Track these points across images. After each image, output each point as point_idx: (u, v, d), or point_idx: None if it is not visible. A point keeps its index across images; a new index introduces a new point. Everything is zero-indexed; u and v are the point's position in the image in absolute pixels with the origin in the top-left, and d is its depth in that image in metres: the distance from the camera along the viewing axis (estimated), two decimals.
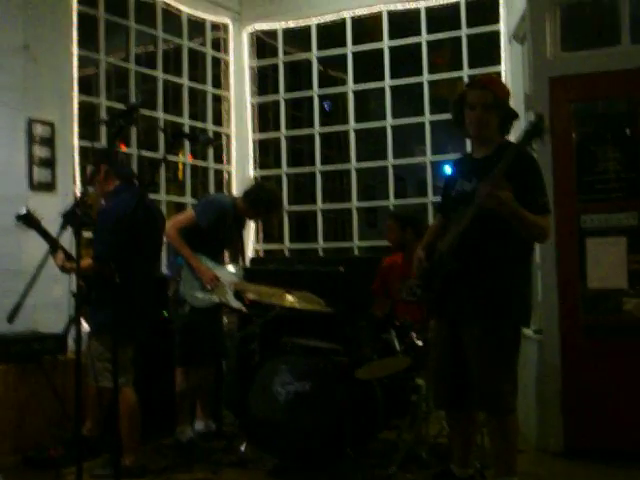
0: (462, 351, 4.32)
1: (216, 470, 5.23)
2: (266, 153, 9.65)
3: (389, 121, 8.11)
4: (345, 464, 5.13)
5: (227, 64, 8.73)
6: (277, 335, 5.74)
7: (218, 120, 8.67)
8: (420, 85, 7.93)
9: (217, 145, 8.63)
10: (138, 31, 7.69)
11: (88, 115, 7.34)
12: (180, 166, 10.16)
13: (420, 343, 5.24)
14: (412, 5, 7.85)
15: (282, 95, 8.79)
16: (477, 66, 7.61)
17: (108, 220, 4.98)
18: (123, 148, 7.76)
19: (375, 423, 5.44)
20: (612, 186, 5.67)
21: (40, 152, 6.26)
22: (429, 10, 7.82)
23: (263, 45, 9.53)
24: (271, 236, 9.28)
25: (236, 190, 8.34)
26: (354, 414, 5.17)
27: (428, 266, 4.47)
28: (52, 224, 4.96)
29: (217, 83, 8.65)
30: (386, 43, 8.07)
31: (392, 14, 8.01)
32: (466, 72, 7.64)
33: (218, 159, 8.66)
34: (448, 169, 6.86)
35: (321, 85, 8.70)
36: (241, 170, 8.67)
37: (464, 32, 7.63)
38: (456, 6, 7.67)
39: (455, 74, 7.88)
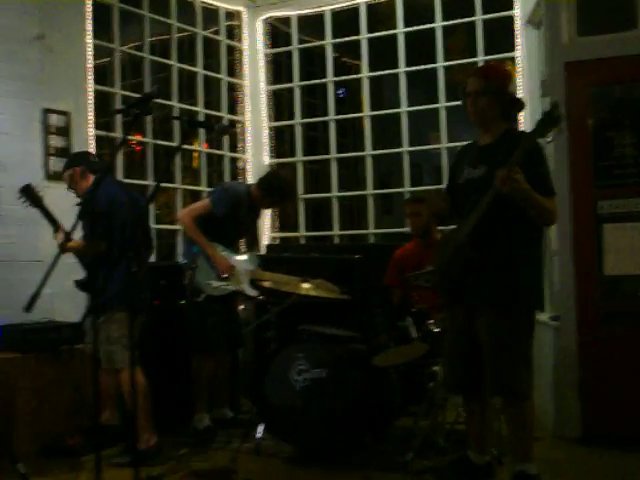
0: (477, 337, 4.34)
1: (233, 458, 5.25)
2: (281, 141, 9.63)
3: (404, 108, 8.09)
4: (362, 451, 5.15)
5: (241, 52, 8.72)
6: (293, 323, 5.75)
7: (233, 108, 8.66)
8: (435, 71, 7.89)
9: (232, 133, 8.63)
10: (152, 20, 7.69)
11: (103, 104, 7.36)
12: (195, 154, 10.15)
13: (437, 330, 5.24)
14: None
15: (296, 82, 8.78)
16: (492, 52, 7.58)
17: (95, 206, 5.13)
18: (138, 137, 7.78)
19: (392, 410, 5.45)
20: (629, 171, 5.63)
21: (56, 142, 6.28)
22: None
23: (277, 33, 9.52)
24: (287, 224, 9.29)
25: (251, 178, 8.34)
26: (371, 401, 5.18)
27: (445, 254, 4.47)
28: (68, 214, 4.99)
29: (231, 71, 8.64)
30: (400, 29, 8.03)
31: (406, 0, 7.97)
32: (481, 58, 7.60)
33: (233, 147, 8.66)
34: None
35: (335, 72, 8.67)
36: (256, 158, 8.66)
37: (479, 17, 7.59)
38: None
39: (470, 60, 7.85)
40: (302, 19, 8.65)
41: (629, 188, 5.61)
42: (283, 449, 5.41)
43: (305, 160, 8.84)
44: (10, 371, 5.35)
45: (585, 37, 5.86)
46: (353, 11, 8.29)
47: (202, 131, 7.90)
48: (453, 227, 4.63)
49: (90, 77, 6.73)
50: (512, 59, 7.51)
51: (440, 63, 7.84)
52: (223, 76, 8.51)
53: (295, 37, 8.75)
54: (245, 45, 8.71)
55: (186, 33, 8.43)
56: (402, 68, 8.05)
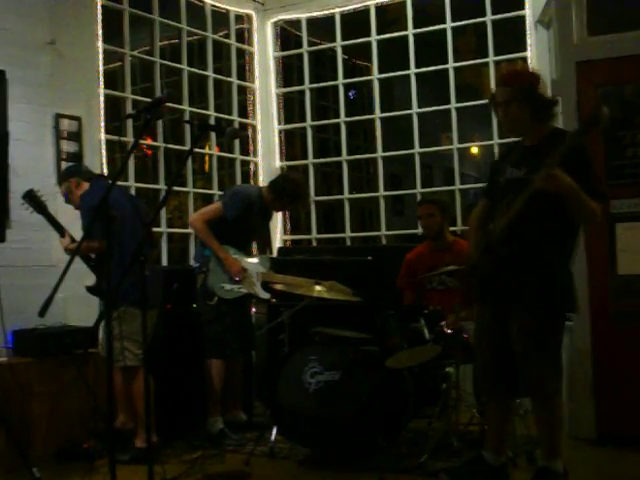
0: (505, 338, 4.34)
1: (247, 461, 5.25)
2: (292, 144, 9.65)
3: (415, 109, 8.07)
4: (376, 453, 5.14)
5: (252, 55, 8.73)
6: (306, 325, 5.75)
7: (244, 111, 8.67)
8: (446, 72, 7.88)
9: (243, 136, 8.64)
10: (162, 24, 7.71)
11: (114, 109, 7.38)
12: (207, 158, 10.17)
13: (449, 331, 5.24)
14: None
15: (307, 85, 8.78)
16: (503, 52, 7.57)
17: (86, 205, 5.19)
18: (149, 141, 7.80)
19: (405, 412, 5.44)
20: None
21: (67, 147, 6.30)
22: None
23: (287, 35, 9.53)
24: (298, 226, 9.30)
25: (262, 181, 8.35)
26: (384, 403, 5.18)
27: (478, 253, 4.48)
28: (80, 219, 5.01)
29: (242, 74, 8.65)
30: (410, 31, 8.03)
31: (416, 1, 7.96)
32: (492, 58, 7.58)
33: (244, 150, 8.67)
34: None
35: (346, 74, 8.68)
36: (267, 161, 8.67)
37: (489, 18, 7.57)
38: None
39: (481, 61, 7.85)
40: (312, 21, 8.66)
41: None
42: (297, 452, 5.42)
43: (316, 162, 8.84)
44: (24, 376, 5.37)
45: (596, 37, 5.84)
46: (363, 13, 8.29)
47: (213, 135, 7.90)
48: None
49: (101, 82, 6.75)
50: (523, 59, 7.50)
51: (450, 64, 7.83)
52: (233, 79, 8.52)
53: (305, 40, 8.76)
54: (255, 48, 8.71)
55: (196, 37, 8.44)
56: (412, 69, 8.04)
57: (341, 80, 8.60)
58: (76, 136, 6.38)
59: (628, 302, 5.68)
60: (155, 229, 7.10)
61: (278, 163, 8.70)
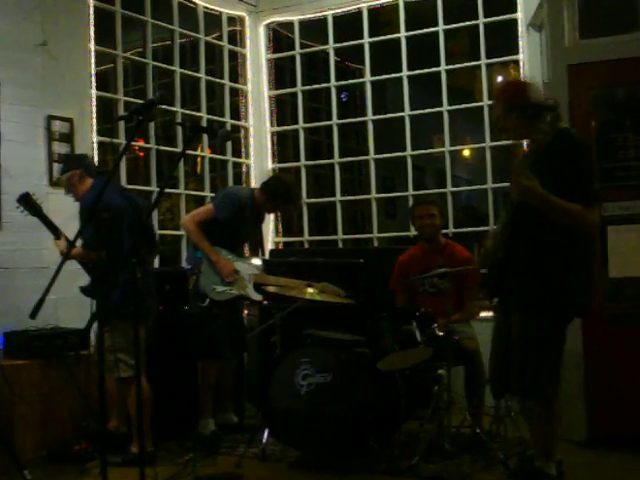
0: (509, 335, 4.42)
1: (238, 463, 5.25)
2: (284, 146, 9.65)
3: (407, 111, 8.08)
4: (368, 455, 5.15)
5: (244, 57, 8.73)
6: (298, 327, 5.75)
7: (236, 113, 8.67)
8: (438, 75, 7.89)
9: (235, 138, 8.64)
10: (154, 26, 7.70)
11: (106, 111, 7.37)
12: (199, 160, 10.16)
13: (441, 334, 5.24)
14: None
15: (299, 87, 8.78)
16: (495, 55, 7.59)
17: (86, 211, 5.09)
18: (141, 143, 7.79)
19: (397, 414, 5.44)
20: (633, 173, 5.62)
21: (59, 149, 6.29)
22: None
23: (280, 37, 9.53)
24: (290, 228, 9.30)
25: (255, 183, 8.34)
26: (376, 405, 5.18)
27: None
28: (72, 220, 5.00)
29: (234, 76, 8.65)
30: (403, 33, 8.04)
31: (408, 4, 7.97)
32: (484, 61, 7.60)
33: (236, 152, 8.67)
34: None
35: (338, 77, 8.69)
36: (259, 163, 8.67)
37: (481, 21, 7.59)
38: None
39: (472, 63, 7.86)
40: (304, 24, 8.67)
41: (633, 190, 5.60)
42: (288, 454, 5.41)
43: (308, 164, 8.84)
44: (15, 378, 5.35)
45: (587, 39, 5.85)
46: (355, 15, 8.29)
47: (205, 136, 7.90)
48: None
49: (93, 83, 6.75)
50: (515, 62, 7.53)
51: (443, 67, 7.84)
52: (226, 81, 8.52)
53: (297, 42, 8.76)
54: (247, 50, 8.71)
55: (188, 38, 8.44)
56: (405, 72, 8.05)
57: (333, 82, 8.60)
58: (68, 138, 6.37)
59: (619, 304, 5.69)
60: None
61: (270, 165, 8.70)
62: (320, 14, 8.45)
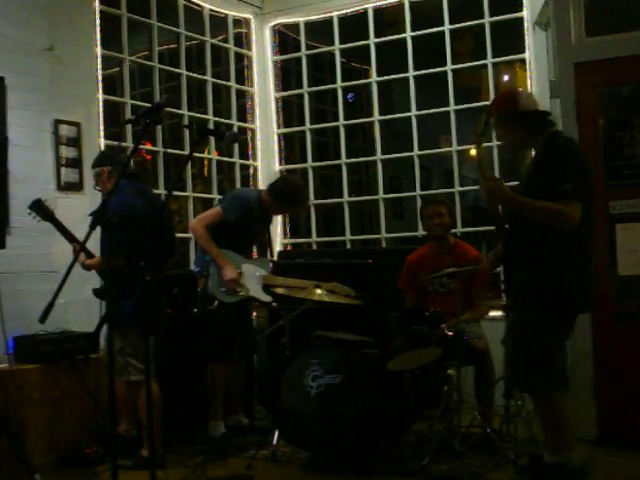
0: None
1: (249, 465, 5.25)
2: (291, 147, 9.65)
3: (413, 112, 8.07)
4: (378, 456, 5.14)
5: (250, 59, 8.73)
6: (307, 329, 5.75)
7: (243, 115, 8.68)
8: (444, 75, 7.89)
9: (242, 140, 8.64)
10: (160, 29, 7.71)
11: (113, 114, 7.38)
12: (206, 162, 10.17)
13: (450, 333, 5.24)
14: None
15: (306, 89, 8.79)
16: (501, 54, 7.58)
17: (114, 215, 5.01)
18: (149, 146, 7.80)
19: (407, 415, 5.44)
20: None
21: (67, 153, 6.30)
22: None
23: (286, 39, 9.53)
24: (298, 230, 9.30)
25: (262, 185, 8.34)
26: (386, 406, 5.18)
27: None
28: (81, 224, 5.00)
29: (241, 79, 8.66)
30: (409, 33, 8.03)
31: (414, 4, 7.96)
32: (490, 60, 7.59)
33: (243, 154, 8.67)
34: None
35: (344, 77, 8.69)
36: (266, 165, 8.67)
37: (487, 20, 7.58)
38: None
39: (479, 62, 7.85)
40: (310, 25, 8.67)
41: None
42: (299, 455, 5.42)
43: (315, 166, 8.84)
44: (25, 382, 5.36)
45: (593, 37, 5.85)
46: (361, 16, 8.29)
47: (212, 139, 7.90)
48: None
49: (100, 87, 6.75)
50: (521, 61, 7.52)
51: (449, 66, 7.83)
52: (232, 84, 8.52)
53: (303, 43, 8.76)
54: (254, 52, 8.72)
55: (195, 41, 8.45)
56: (411, 72, 8.04)
57: (340, 83, 8.60)
58: (75, 142, 6.38)
59: (629, 303, 5.68)
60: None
61: (277, 167, 8.70)
62: (326, 15, 8.45)
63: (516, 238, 4.47)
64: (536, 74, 7.10)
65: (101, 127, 6.71)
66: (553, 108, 5.99)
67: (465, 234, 7.45)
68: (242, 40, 8.73)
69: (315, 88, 9.04)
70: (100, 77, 6.78)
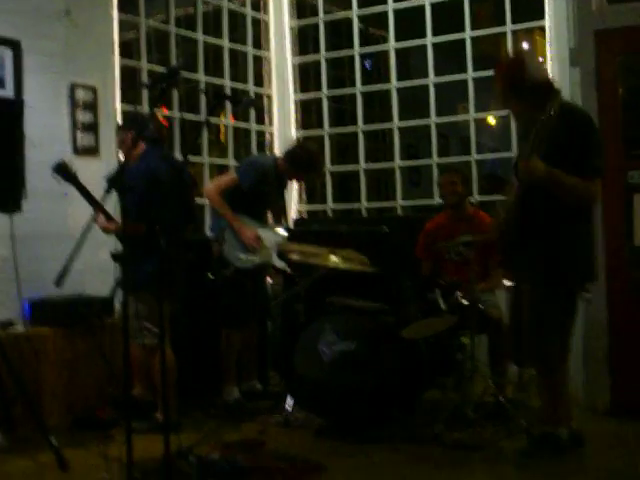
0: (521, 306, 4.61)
1: (262, 430, 5.28)
2: (308, 113, 9.61)
3: (431, 79, 8.01)
4: (391, 423, 5.16)
5: (267, 24, 8.67)
6: (322, 295, 5.75)
7: (259, 81, 8.63)
8: (462, 42, 7.81)
9: (258, 106, 8.60)
10: None
11: (130, 79, 7.36)
12: (222, 128, 10.14)
13: (465, 302, 5.23)
14: None
15: (323, 54, 8.73)
16: (521, 21, 7.49)
17: (135, 182, 5.00)
18: (165, 111, 7.78)
19: (420, 382, 5.45)
20: None
21: (83, 117, 6.29)
22: None
23: (303, 4, 9.47)
24: (314, 197, 9.28)
25: (278, 151, 8.32)
26: (399, 373, 5.18)
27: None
28: (96, 188, 5.00)
29: (257, 44, 8.61)
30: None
31: None
32: (509, 27, 7.50)
33: (260, 120, 8.64)
34: None
35: (362, 44, 8.62)
36: (283, 131, 8.64)
37: None
38: None
39: (498, 29, 7.77)
40: None
41: None
42: (312, 421, 5.43)
43: (332, 132, 8.80)
44: (41, 345, 5.40)
45: (614, 4, 5.77)
46: None
47: (229, 104, 7.88)
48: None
49: (116, 51, 6.72)
50: (541, 28, 7.43)
51: (468, 33, 7.75)
52: (249, 49, 8.48)
53: (321, 8, 8.70)
54: (271, 17, 8.66)
55: (211, 6, 8.40)
56: (429, 39, 7.97)
57: (357, 49, 8.54)
58: (91, 106, 6.36)
59: None
60: None
61: (294, 133, 8.67)
62: None
63: (527, 215, 4.43)
64: (556, 42, 7.00)
65: (117, 91, 6.69)
66: (572, 76, 5.94)
67: (482, 203, 7.42)
68: (259, 5, 8.66)
69: (333, 54, 8.99)
70: (117, 41, 6.75)
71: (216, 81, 8.13)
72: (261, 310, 6.27)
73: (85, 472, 4.53)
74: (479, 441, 4.85)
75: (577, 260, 4.38)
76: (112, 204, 4.44)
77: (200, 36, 7.90)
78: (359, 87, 8.54)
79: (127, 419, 3.93)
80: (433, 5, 7.90)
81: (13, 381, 4.82)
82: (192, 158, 7.64)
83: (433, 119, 7.98)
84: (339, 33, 12.34)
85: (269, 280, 6.63)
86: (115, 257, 5.10)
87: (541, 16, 7.26)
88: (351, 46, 8.60)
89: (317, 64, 8.84)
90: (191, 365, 5.75)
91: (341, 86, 10.69)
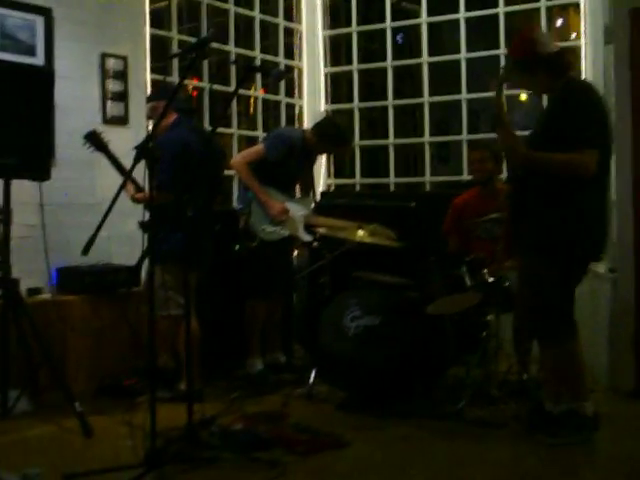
0: None
1: (285, 402, 5.31)
2: (338, 87, 9.57)
3: (463, 54, 7.95)
4: (414, 399, 5.16)
5: None
6: (347, 269, 5.75)
7: (290, 53, 8.61)
8: (496, 17, 7.73)
9: (289, 79, 8.58)
10: None
11: (160, 49, 7.36)
12: (252, 100, 10.13)
13: (491, 279, 5.21)
14: None
15: (354, 28, 8.69)
16: None
17: (167, 151, 5.00)
18: (195, 81, 7.77)
19: (444, 359, 5.45)
20: None
21: (113, 86, 6.30)
22: None
23: None
24: (342, 171, 9.26)
25: (307, 124, 8.30)
26: (423, 349, 5.18)
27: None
28: (125, 158, 5.01)
29: (289, 16, 8.57)
30: None
31: None
32: (544, 3, 7.42)
33: (289, 93, 8.62)
34: None
35: (394, 17, 8.57)
36: (312, 104, 8.61)
37: None
38: None
39: (532, 5, 7.68)
40: None
41: None
42: (335, 395, 5.45)
43: (362, 106, 8.76)
44: (67, 313, 5.46)
45: None
46: None
47: (259, 76, 7.86)
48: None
49: (147, 21, 6.71)
50: (575, 5, 7.35)
51: (501, 8, 7.68)
52: (280, 21, 8.44)
53: None
54: None
55: None
56: (462, 13, 7.90)
57: (389, 23, 8.48)
58: (122, 75, 6.37)
59: None
60: None
61: (323, 106, 8.64)
62: None
63: (526, 186, 4.45)
64: (590, 19, 6.92)
65: (147, 61, 6.68)
66: (607, 54, 5.87)
67: None
68: None
69: (364, 27, 8.94)
70: (148, 11, 6.73)
71: (247, 53, 8.11)
72: (286, 282, 6.28)
73: (109, 439, 4.57)
74: (502, 419, 4.84)
75: (577, 232, 4.38)
76: (141, 174, 4.43)
77: (231, 7, 7.87)
78: (390, 61, 8.50)
79: (151, 388, 3.95)
80: None
81: (39, 347, 4.87)
82: (221, 130, 7.65)
83: (464, 95, 7.93)
84: (371, 6, 12.28)
85: (295, 252, 6.64)
86: (143, 226, 5.10)
87: None
88: (383, 20, 8.55)
89: (348, 37, 8.80)
90: (216, 336, 5.77)
91: (372, 60, 10.63)
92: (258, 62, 8.08)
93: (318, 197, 7.24)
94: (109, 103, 6.27)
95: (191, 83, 7.79)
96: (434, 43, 8.43)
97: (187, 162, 4.99)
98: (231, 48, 7.76)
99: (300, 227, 6.03)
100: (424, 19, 8.24)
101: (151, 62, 6.72)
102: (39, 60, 5.81)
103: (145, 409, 3.97)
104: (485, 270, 5.27)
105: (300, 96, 8.66)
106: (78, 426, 4.63)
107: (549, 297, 4.43)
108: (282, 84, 8.36)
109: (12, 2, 5.65)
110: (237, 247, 6.07)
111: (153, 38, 6.84)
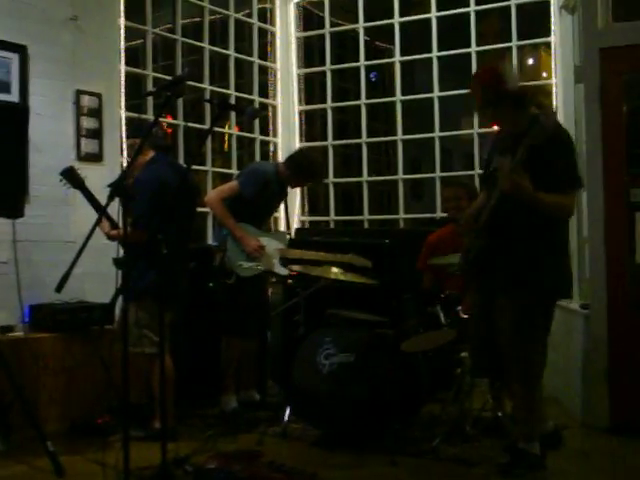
0: (491, 320, 4.55)
1: (260, 440, 5.27)
2: (312, 124, 9.62)
3: (436, 92, 8.03)
4: (389, 436, 5.15)
5: (274, 35, 8.71)
6: (322, 307, 5.75)
7: (264, 91, 8.66)
8: (468, 56, 7.83)
9: (263, 116, 8.62)
10: (184, 2, 7.69)
11: (135, 86, 7.38)
12: (226, 137, 10.16)
13: (465, 316, 5.22)
14: None
15: (328, 66, 8.76)
16: (527, 37, 7.51)
17: (143, 189, 5.01)
18: (169, 119, 7.79)
19: (419, 396, 5.44)
20: None
21: (88, 123, 6.31)
22: None
23: (310, 16, 9.49)
24: (317, 208, 9.28)
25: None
26: (398, 386, 5.18)
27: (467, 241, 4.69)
28: (99, 195, 5.01)
29: (263, 54, 8.64)
30: (434, 13, 7.98)
31: None
32: (515, 43, 7.53)
33: (264, 130, 8.66)
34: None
35: (367, 56, 8.65)
36: (287, 141, 8.66)
37: (514, 2, 7.50)
38: None
39: (504, 45, 7.78)
40: (334, 2, 8.63)
41: None
42: (310, 433, 5.42)
43: (336, 144, 8.82)
44: (40, 351, 5.40)
45: (620, 23, 5.79)
46: None
47: (233, 114, 7.89)
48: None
49: (122, 59, 6.74)
50: (546, 44, 7.45)
51: (473, 48, 7.77)
52: (255, 59, 8.50)
53: (327, 20, 8.72)
54: (277, 28, 8.69)
55: (218, 15, 8.42)
56: (435, 52, 8.00)
57: (363, 62, 8.56)
58: (96, 112, 6.38)
59: None
60: None
61: (298, 143, 8.68)
62: None
63: (502, 226, 4.42)
64: (561, 58, 7.03)
65: (122, 99, 6.72)
66: (577, 93, 5.95)
67: None
68: (266, 15, 8.70)
69: (338, 66, 9.02)
70: (123, 49, 6.77)
71: (221, 90, 8.15)
72: (261, 319, 6.26)
73: (81, 478, 4.52)
74: (476, 456, 4.83)
75: (553, 269, 4.41)
76: (116, 211, 4.43)
77: (206, 45, 7.92)
78: (364, 99, 8.57)
79: (125, 427, 3.92)
80: (439, 19, 7.94)
81: (11, 385, 4.82)
82: (196, 167, 7.66)
83: (437, 133, 8.00)
84: (345, 45, 12.38)
85: (270, 290, 6.63)
86: (117, 263, 5.08)
87: (547, 32, 7.29)
88: (356, 59, 8.63)
89: (322, 75, 8.86)
90: (190, 373, 5.74)
91: (346, 98, 10.70)
92: (233, 100, 8.12)
93: (292, 233, 7.25)
94: (83, 140, 6.27)
95: (165, 121, 7.81)
96: (407, 81, 8.51)
97: (164, 199, 4.98)
98: (206, 86, 7.80)
99: (276, 262, 6.04)
100: (397, 58, 8.33)
101: (126, 100, 6.75)
102: (14, 97, 5.82)
103: (118, 448, 3.94)
104: (459, 307, 5.29)
105: (275, 134, 8.71)
106: (50, 466, 4.57)
107: (534, 334, 4.43)
108: (257, 122, 8.41)
109: None
110: (212, 284, 6.06)
111: (128, 76, 6.87)
